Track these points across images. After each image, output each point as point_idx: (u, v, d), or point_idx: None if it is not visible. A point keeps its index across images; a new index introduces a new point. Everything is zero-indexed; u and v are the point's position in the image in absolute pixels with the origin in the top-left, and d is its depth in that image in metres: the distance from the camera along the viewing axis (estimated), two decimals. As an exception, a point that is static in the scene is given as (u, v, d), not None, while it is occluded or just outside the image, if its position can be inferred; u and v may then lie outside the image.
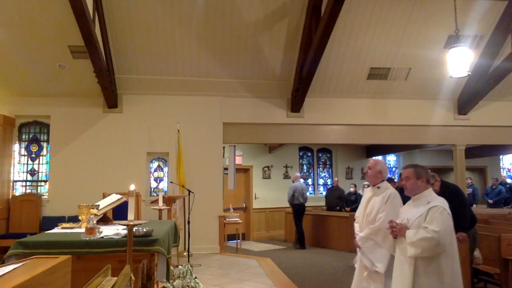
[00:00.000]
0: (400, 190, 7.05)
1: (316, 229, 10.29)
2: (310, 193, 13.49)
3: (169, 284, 4.45)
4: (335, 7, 6.30)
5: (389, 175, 13.81)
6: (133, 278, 2.20)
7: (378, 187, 3.83)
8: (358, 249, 3.81)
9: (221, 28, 7.82)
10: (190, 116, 8.68)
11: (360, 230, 3.82)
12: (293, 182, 10.44)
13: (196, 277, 5.08)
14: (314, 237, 10.27)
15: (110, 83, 7.86)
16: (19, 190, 8.51)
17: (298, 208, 9.98)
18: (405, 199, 6.34)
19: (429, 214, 2.98)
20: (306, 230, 10.48)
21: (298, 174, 10.82)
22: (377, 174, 3.85)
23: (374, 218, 3.71)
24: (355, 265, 3.93)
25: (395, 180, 8.47)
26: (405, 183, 3.25)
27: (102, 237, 3.23)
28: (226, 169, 9.50)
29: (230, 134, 8.96)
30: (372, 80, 9.08)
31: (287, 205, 12.08)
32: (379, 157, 4.08)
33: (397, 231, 3.11)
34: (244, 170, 11.86)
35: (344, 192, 11.28)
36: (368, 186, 4.04)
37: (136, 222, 2.92)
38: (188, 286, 4.74)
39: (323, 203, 12.01)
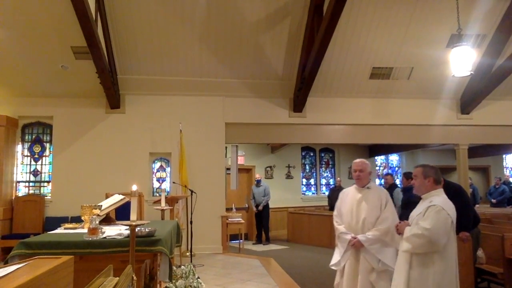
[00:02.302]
0: (404, 189, 7.04)
1: (318, 229, 10.28)
2: (313, 193, 13.52)
3: (171, 284, 4.46)
4: (337, 6, 6.29)
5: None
6: (135, 278, 2.20)
7: (368, 188, 3.83)
8: (341, 249, 3.76)
9: (223, 28, 7.82)
10: (192, 116, 8.69)
11: (353, 232, 3.71)
12: (261, 182, 10.79)
13: (198, 277, 5.09)
14: (317, 237, 10.26)
15: (112, 83, 7.88)
16: (22, 190, 8.54)
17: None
18: (409, 199, 6.30)
19: (427, 212, 3.04)
20: (309, 229, 10.50)
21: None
22: (367, 176, 3.87)
23: (374, 220, 3.69)
24: (336, 268, 3.84)
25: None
26: (414, 181, 3.33)
27: (105, 237, 3.24)
28: (228, 169, 9.50)
29: (232, 134, 8.96)
30: (375, 80, 9.05)
31: (290, 205, 12.18)
32: (361, 159, 4.15)
33: (400, 230, 3.20)
34: (246, 170, 11.87)
35: (347, 192, 11.24)
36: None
37: (139, 222, 2.92)
38: (190, 286, 4.74)
39: (325, 203, 12.01)
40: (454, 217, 3.05)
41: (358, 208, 3.78)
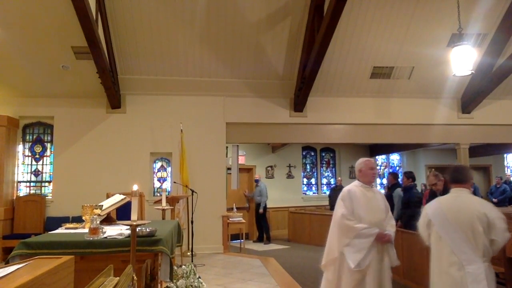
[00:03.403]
0: (405, 189, 7.01)
1: (320, 229, 10.27)
2: (314, 193, 13.50)
3: (172, 284, 4.46)
4: (337, 6, 6.28)
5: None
6: (135, 278, 2.20)
7: (372, 187, 3.90)
8: (362, 246, 3.57)
9: (223, 28, 7.81)
10: (193, 116, 8.69)
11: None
12: (259, 182, 10.88)
13: (199, 277, 5.09)
14: (318, 237, 10.24)
15: (113, 83, 7.88)
16: (23, 190, 8.54)
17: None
18: (410, 198, 6.29)
19: None
20: (310, 229, 10.50)
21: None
22: None
23: (384, 216, 3.77)
24: (359, 268, 3.53)
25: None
26: None
27: (106, 237, 3.24)
28: (229, 169, 9.49)
29: (233, 134, 8.95)
30: (375, 79, 9.05)
31: (290, 204, 12.16)
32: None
33: None
34: (247, 170, 11.87)
35: (348, 192, 11.24)
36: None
37: (140, 222, 2.92)
38: (191, 285, 4.75)
39: (326, 202, 12.00)
40: (438, 215, 3.11)
41: (372, 206, 3.77)
